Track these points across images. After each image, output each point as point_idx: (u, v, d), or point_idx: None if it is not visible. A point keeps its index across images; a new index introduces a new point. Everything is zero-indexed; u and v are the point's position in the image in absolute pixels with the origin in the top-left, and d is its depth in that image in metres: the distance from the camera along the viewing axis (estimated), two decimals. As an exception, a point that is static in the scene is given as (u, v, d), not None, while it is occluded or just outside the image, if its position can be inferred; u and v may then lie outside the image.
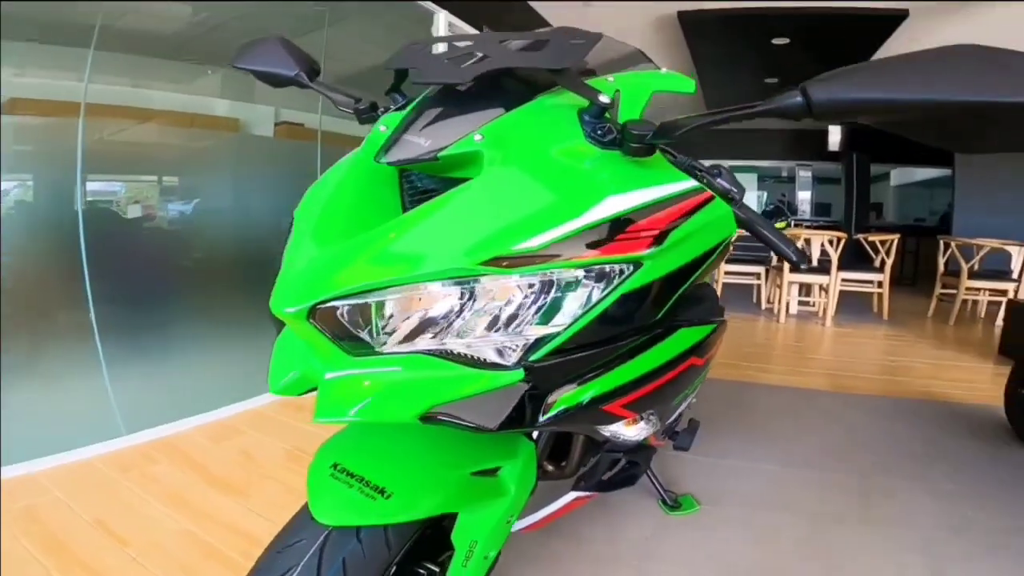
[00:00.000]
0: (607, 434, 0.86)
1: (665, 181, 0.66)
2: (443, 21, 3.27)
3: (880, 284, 4.67)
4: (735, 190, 0.73)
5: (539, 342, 0.58)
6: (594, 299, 0.59)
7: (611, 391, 0.66)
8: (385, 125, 0.69)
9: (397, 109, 0.78)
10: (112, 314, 1.92)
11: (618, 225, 0.59)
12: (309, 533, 0.63)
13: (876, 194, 8.50)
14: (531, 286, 0.57)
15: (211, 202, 2.34)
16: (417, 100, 0.74)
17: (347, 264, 0.56)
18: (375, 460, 0.68)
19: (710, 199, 0.70)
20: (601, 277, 0.59)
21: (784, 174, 8.57)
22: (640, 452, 1.16)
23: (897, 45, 4.57)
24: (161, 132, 2.16)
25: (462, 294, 0.56)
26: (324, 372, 0.59)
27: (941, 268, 4.92)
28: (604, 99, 0.63)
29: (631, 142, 0.62)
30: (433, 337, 0.57)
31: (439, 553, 0.75)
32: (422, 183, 0.71)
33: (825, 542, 1.43)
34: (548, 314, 0.58)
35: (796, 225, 6.27)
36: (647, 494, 1.59)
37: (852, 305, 4.95)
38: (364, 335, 0.58)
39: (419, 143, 0.64)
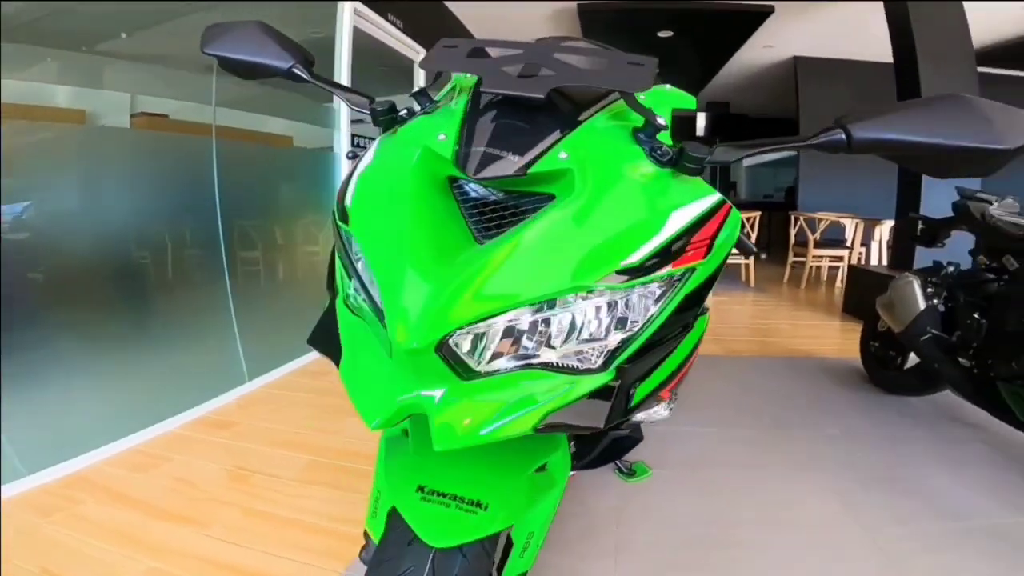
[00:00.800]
0: (643, 416, 0.95)
1: (704, 195, 0.71)
2: (348, 7, 3.11)
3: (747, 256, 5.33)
4: None
5: (622, 344, 0.63)
6: (663, 304, 0.65)
7: (666, 379, 0.75)
8: (444, 133, 0.68)
9: (424, 113, 0.76)
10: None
11: (685, 238, 0.65)
12: (414, 559, 0.64)
13: (732, 173, 9.62)
14: (623, 297, 0.62)
15: (52, 205, 1.94)
16: (462, 107, 0.72)
17: (470, 295, 0.57)
18: (457, 476, 0.70)
19: (731, 208, 0.78)
20: (670, 284, 0.65)
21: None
22: (636, 426, 1.29)
23: (762, 39, 5.17)
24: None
25: (565, 311, 0.60)
26: (435, 398, 0.60)
27: (792, 239, 5.73)
28: (661, 122, 0.68)
29: (688, 163, 0.66)
30: (532, 351, 0.61)
31: None
32: (476, 192, 0.70)
33: (756, 490, 1.67)
34: (625, 320, 0.63)
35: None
36: (604, 468, 1.73)
37: (725, 275, 5.60)
38: (468, 357, 0.60)
39: (508, 158, 0.64)
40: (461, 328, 0.57)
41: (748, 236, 0.88)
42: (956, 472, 1.78)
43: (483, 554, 0.67)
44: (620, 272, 0.60)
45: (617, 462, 1.72)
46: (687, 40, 5.06)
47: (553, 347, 0.61)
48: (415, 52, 4.30)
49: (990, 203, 2.24)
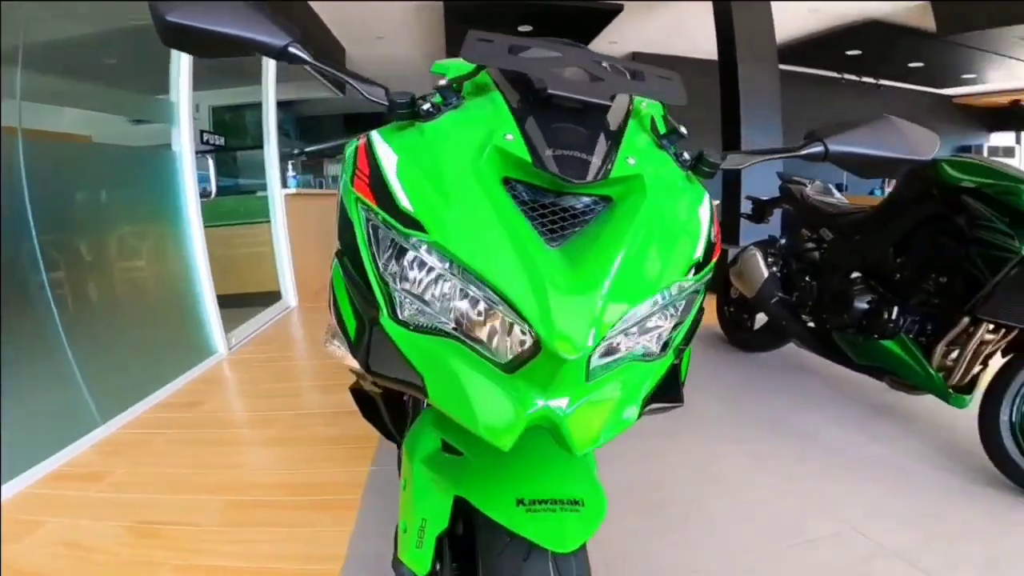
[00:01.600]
0: None
1: (705, 194, 0.77)
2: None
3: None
4: None
5: (675, 330, 0.69)
6: (701, 293, 0.73)
7: (690, 357, 0.83)
8: (510, 132, 0.66)
9: (452, 108, 0.74)
10: None
11: (713, 233, 0.73)
12: (535, 571, 0.65)
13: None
14: (685, 289, 0.68)
15: None
16: (504, 105, 0.70)
17: (607, 301, 0.57)
18: (547, 480, 0.71)
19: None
20: (709, 275, 0.73)
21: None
22: None
23: (610, 36, 5.63)
24: None
25: (657, 306, 0.64)
26: (563, 406, 0.59)
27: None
28: (683, 130, 0.76)
29: (706, 167, 0.75)
30: (618, 344, 0.63)
31: None
32: (528, 193, 0.67)
33: (680, 452, 1.91)
34: (677, 307, 0.69)
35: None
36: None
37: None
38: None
39: (586, 160, 0.64)
40: (607, 334, 0.58)
41: None
42: (819, 412, 2.20)
43: (584, 549, 0.70)
44: (693, 266, 0.67)
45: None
46: (544, 34, 5.30)
47: (634, 337, 0.65)
48: (267, 41, 3.95)
49: (805, 185, 2.75)
